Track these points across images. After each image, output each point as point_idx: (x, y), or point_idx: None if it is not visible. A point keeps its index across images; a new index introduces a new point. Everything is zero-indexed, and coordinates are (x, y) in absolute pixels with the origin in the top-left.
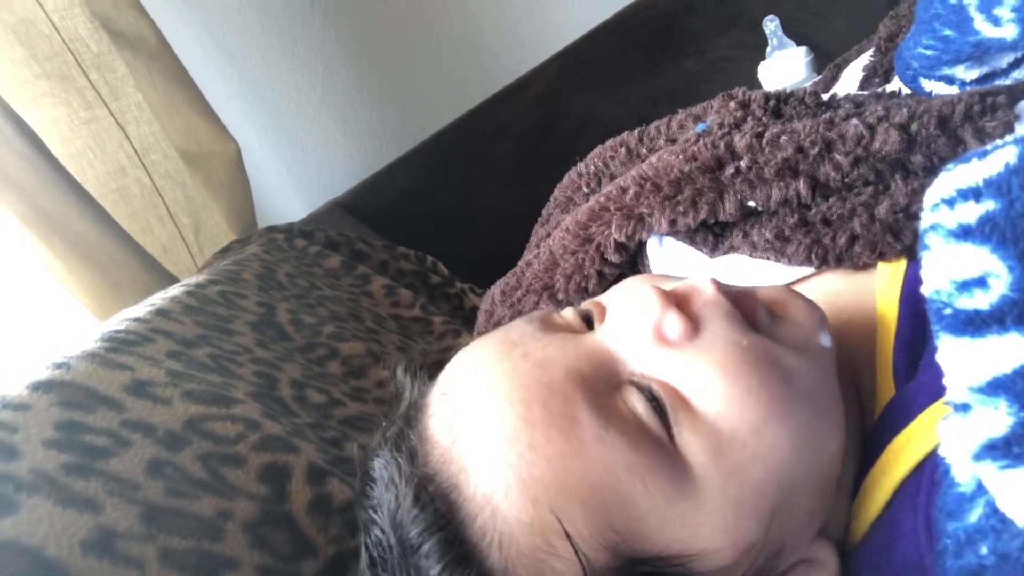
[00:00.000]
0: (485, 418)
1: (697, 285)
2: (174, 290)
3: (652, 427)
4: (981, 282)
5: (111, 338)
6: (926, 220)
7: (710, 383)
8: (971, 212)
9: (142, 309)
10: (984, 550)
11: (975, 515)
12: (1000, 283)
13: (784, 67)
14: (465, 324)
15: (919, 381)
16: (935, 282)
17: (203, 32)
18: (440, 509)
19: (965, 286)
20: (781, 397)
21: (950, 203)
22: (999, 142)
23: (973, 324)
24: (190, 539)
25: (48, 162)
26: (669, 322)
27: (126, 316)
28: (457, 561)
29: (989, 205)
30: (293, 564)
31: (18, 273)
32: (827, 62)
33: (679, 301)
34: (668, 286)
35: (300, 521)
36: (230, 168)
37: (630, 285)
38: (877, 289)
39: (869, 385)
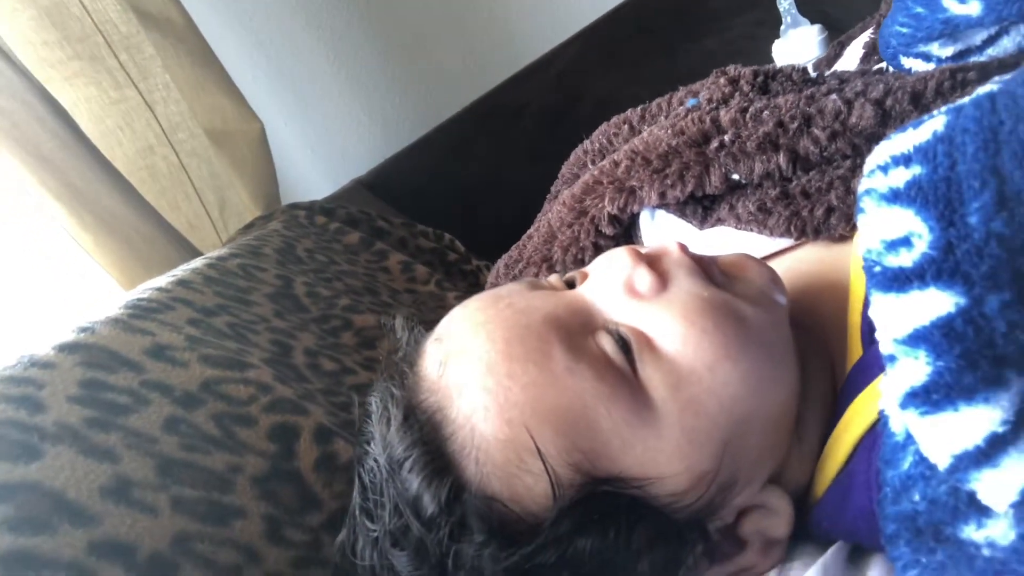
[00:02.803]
0: (469, 353)
1: (666, 246)
2: (196, 263)
3: (617, 362)
4: (906, 241)
5: (134, 305)
6: (863, 185)
7: (672, 326)
8: (901, 177)
9: (164, 280)
10: (916, 496)
11: (907, 463)
12: (922, 242)
13: (798, 45)
14: None
15: None
16: (868, 242)
17: (230, 13)
18: (425, 428)
19: (893, 245)
20: (734, 339)
21: (884, 169)
22: (935, 112)
23: (898, 280)
24: (201, 490)
25: (79, 140)
26: (639, 276)
27: (149, 286)
28: (436, 472)
29: (916, 170)
30: (299, 516)
31: (50, 246)
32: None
33: (649, 260)
34: (642, 250)
35: (307, 477)
36: (254, 147)
37: (610, 251)
38: (852, 258)
39: (841, 348)
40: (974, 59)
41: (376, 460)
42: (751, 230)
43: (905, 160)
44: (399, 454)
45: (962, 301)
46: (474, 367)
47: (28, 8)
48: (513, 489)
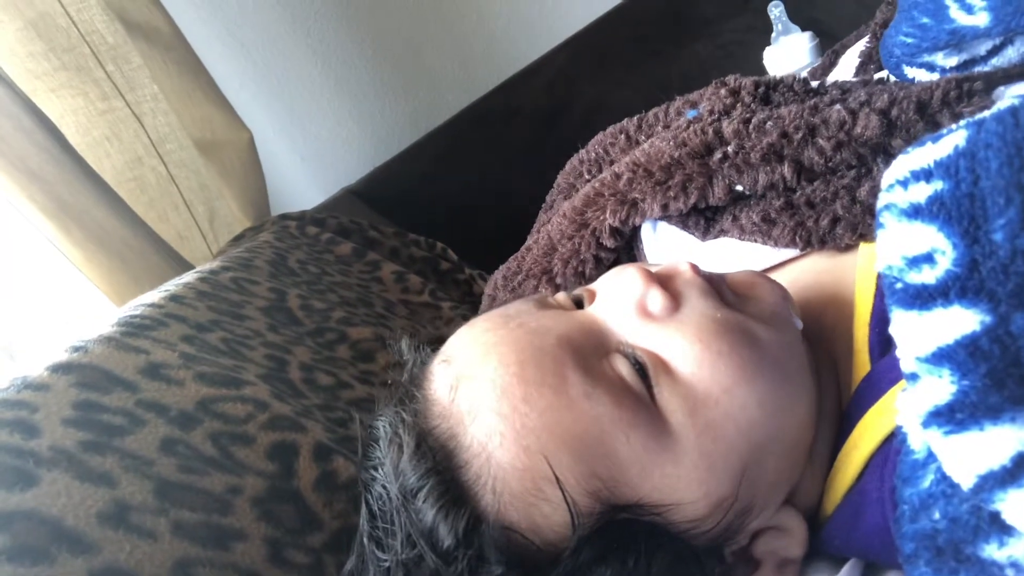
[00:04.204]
0: (482, 377)
1: (677, 266)
2: (188, 277)
3: (635, 387)
4: (929, 258)
5: (127, 323)
6: (882, 200)
7: (687, 349)
8: (922, 192)
9: (157, 295)
10: (937, 515)
11: (927, 481)
12: (945, 259)
13: (789, 52)
14: (473, 310)
15: (892, 357)
16: (888, 258)
17: (217, 23)
18: (438, 456)
19: (915, 262)
20: (750, 362)
21: (904, 184)
22: (953, 126)
23: (921, 298)
24: (200, 512)
25: (66, 153)
26: (652, 297)
27: (141, 302)
28: (452, 503)
29: (938, 185)
30: (299, 537)
31: (38, 261)
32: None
33: (661, 280)
34: (652, 269)
35: (307, 496)
36: (244, 157)
37: (617, 269)
38: (857, 270)
39: (847, 363)
40: (978, 69)
41: (386, 487)
42: (755, 241)
43: (926, 175)
44: (412, 483)
45: (988, 319)
46: (487, 391)
47: (14, 20)
48: (531, 519)
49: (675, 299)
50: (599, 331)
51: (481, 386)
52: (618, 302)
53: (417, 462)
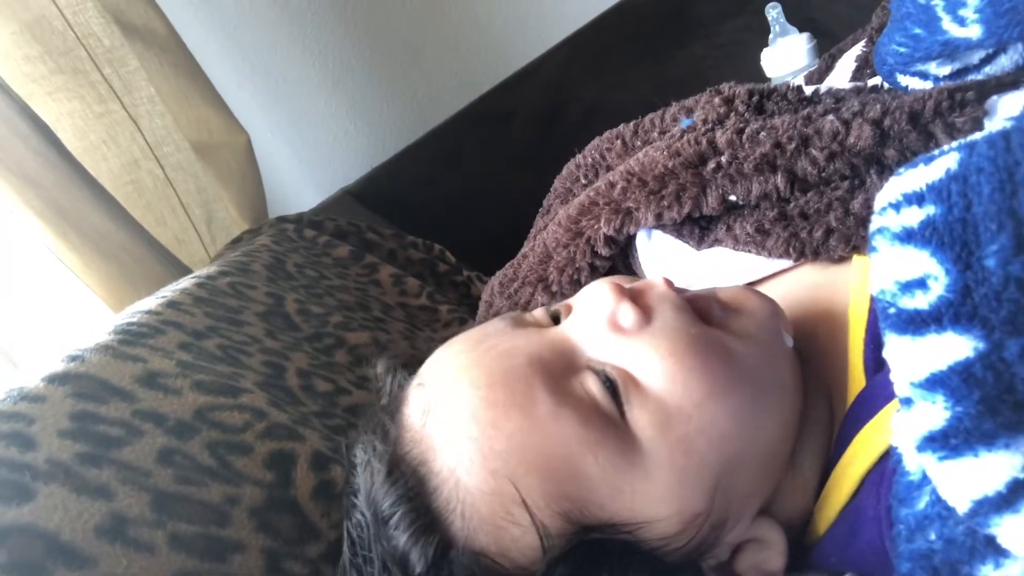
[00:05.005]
0: (452, 400)
1: (650, 280)
2: (185, 282)
3: (604, 405)
4: (922, 283)
5: (124, 330)
6: (875, 223)
7: (658, 364)
8: (914, 216)
9: (154, 301)
10: (932, 535)
11: (923, 503)
12: (938, 284)
13: (786, 54)
14: (471, 312)
15: (886, 374)
16: (881, 282)
17: (215, 24)
18: (410, 483)
19: (908, 287)
20: (723, 377)
21: (896, 207)
22: (945, 148)
23: (914, 323)
24: (198, 524)
25: (63, 157)
26: (623, 312)
27: (138, 308)
28: (423, 529)
29: (930, 210)
30: (297, 547)
31: (37, 265)
32: (833, 45)
33: (633, 295)
34: (627, 285)
35: (304, 506)
36: (241, 159)
37: (592, 284)
38: (851, 282)
39: (840, 376)
40: (971, 77)
41: (363, 514)
42: (749, 251)
43: (918, 199)
44: (385, 511)
45: (981, 346)
46: (458, 416)
47: (9, 23)
48: (500, 542)
49: (647, 313)
50: (570, 349)
51: (451, 411)
52: (590, 318)
53: (389, 489)
